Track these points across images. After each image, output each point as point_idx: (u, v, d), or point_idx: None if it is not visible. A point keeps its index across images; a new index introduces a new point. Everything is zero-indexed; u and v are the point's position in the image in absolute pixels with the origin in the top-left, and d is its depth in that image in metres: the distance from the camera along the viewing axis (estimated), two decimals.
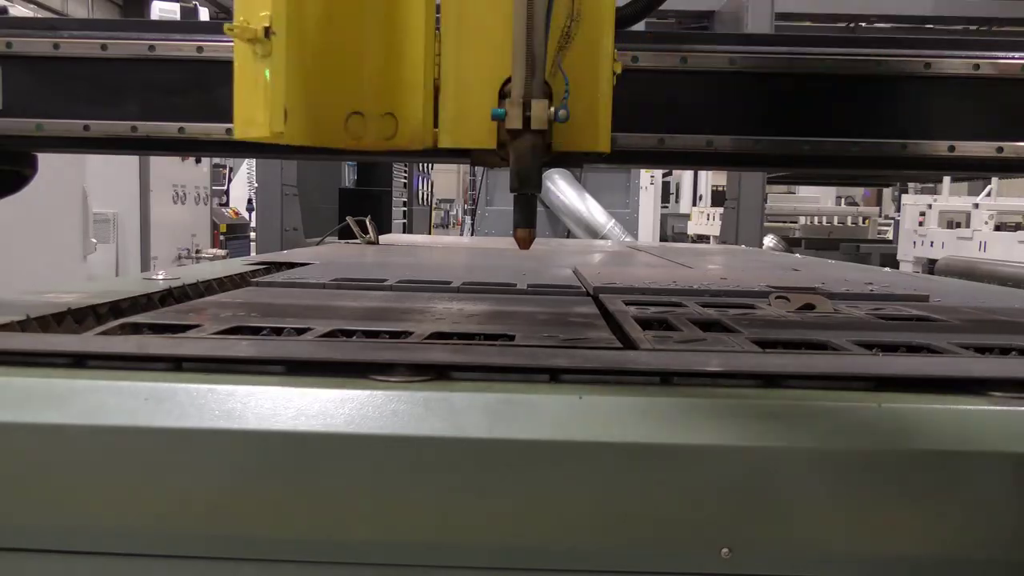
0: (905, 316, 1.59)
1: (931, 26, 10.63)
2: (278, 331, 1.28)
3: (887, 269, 3.82)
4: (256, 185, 8.41)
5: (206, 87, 1.46)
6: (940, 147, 1.45)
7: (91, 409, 0.94)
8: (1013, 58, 1.43)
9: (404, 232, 9.42)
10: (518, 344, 1.19)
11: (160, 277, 1.90)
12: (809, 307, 1.63)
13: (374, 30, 1.23)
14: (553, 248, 3.88)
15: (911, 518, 0.93)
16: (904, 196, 11.25)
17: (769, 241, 10.52)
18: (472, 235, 8.29)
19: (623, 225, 9.21)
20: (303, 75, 1.18)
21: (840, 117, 1.46)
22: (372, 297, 1.74)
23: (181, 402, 0.94)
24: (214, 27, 1.20)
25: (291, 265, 2.43)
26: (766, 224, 10.11)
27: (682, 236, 13.21)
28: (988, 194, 10.28)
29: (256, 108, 1.19)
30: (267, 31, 1.13)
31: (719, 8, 7.01)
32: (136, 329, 1.30)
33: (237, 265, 2.43)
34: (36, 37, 1.47)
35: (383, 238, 4.14)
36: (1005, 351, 1.26)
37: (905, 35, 1.70)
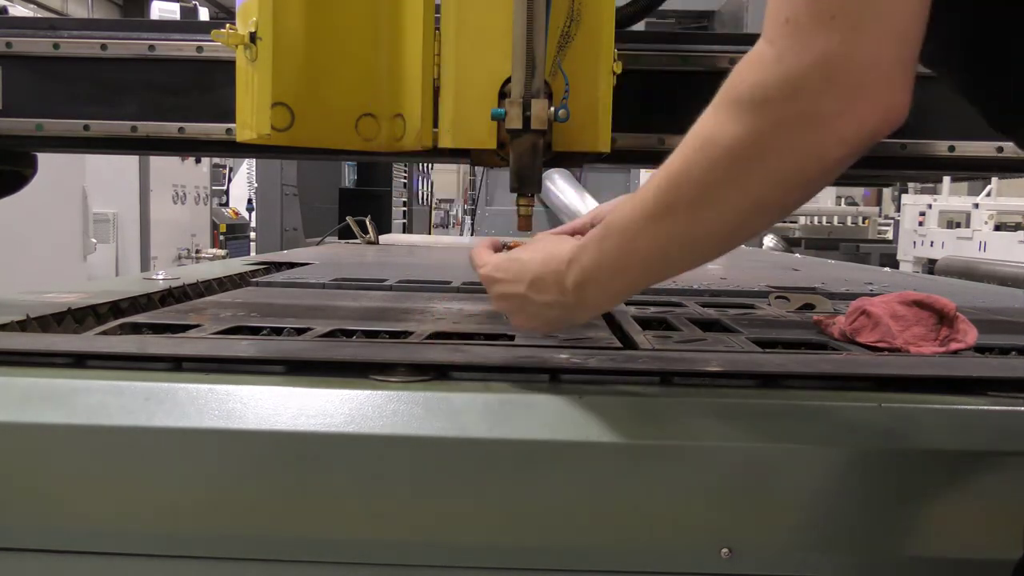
0: None
1: None
2: (278, 331, 1.28)
3: (887, 269, 3.82)
4: (256, 185, 8.41)
5: (206, 87, 1.46)
6: (940, 147, 1.45)
7: (91, 409, 0.94)
8: None
9: (404, 232, 9.41)
10: (518, 344, 1.19)
11: (160, 277, 1.90)
12: (809, 307, 1.63)
13: (374, 32, 1.23)
14: None
15: (911, 518, 0.93)
16: (904, 196, 11.22)
17: (769, 241, 10.51)
18: (472, 235, 8.28)
19: None
20: (307, 78, 1.18)
21: None
22: (372, 297, 1.74)
23: (181, 402, 0.94)
24: (214, 27, 1.20)
25: (291, 265, 2.43)
26: None
27: None
28: (988, 194, 10.27)
29: (248, 111, 1.19)
30: (253, 36, 1.14)
31: (719, 8, 7.00)
32: (136, 329, 1.30)
33: (237, 265, 2.43)
34: (36, 37, 1.47)
35: (383, 238, 4.14)
36: (1005, 351, 1.26)
37: None
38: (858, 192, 15.59)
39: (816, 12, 0.68)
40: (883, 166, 1.53)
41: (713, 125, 0.75)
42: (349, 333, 1.27)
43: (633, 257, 0.85)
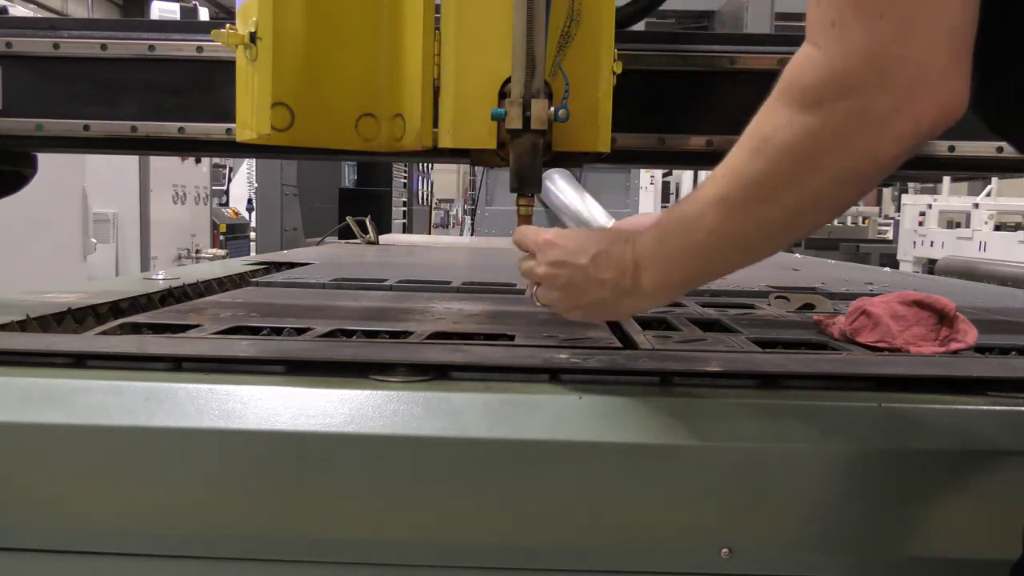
0: None
1: None
2: (278, 331, 1.28)
3: (887, 269, 3.82)
4: (256, 185, 8.40)
5: (206, 87, 1.46)
6: (940, 147, 1.45)
7: (91, 409, 0.94)
8: None
9: (404, 232, 9.41)
10: (518, 344, 1.19)
11: (160, 277, 1.90)
12: (809, 307, 1.63)
13: (374, 32, 1.23)
14: None
15: (911, 518, 0.93)
16: (904, 196, 11.20)
17: None
18: (472, 235, 8.28)
19: None
20: (307, 78, 1.18)
21: None
22: (372, 297, 1.74)
23: (181, 402, 0.94)
24: (214, 27, 1.20)
25: (291, 265, 2.43)
26: None
27: None
28: (988, 194, 10.25)
29: (248, 111, 1.19)
30: (253, 36, 1.13)
31: (719, 8, 7.00)
32: (136, 329, 1.30)
33: (237, 265, 2.43)
34: (36, 37, 1.47)
35: (383, 238, 4.13)
36: (1005, 351, 1.26)
37: None
38: None
39: (864, 13, 0.68)
40: None
41: (769, 126, 0.76)
42: (349, 333, 1.27)
43: (691, 249, 0.86)
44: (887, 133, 0.70)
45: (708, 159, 1.60)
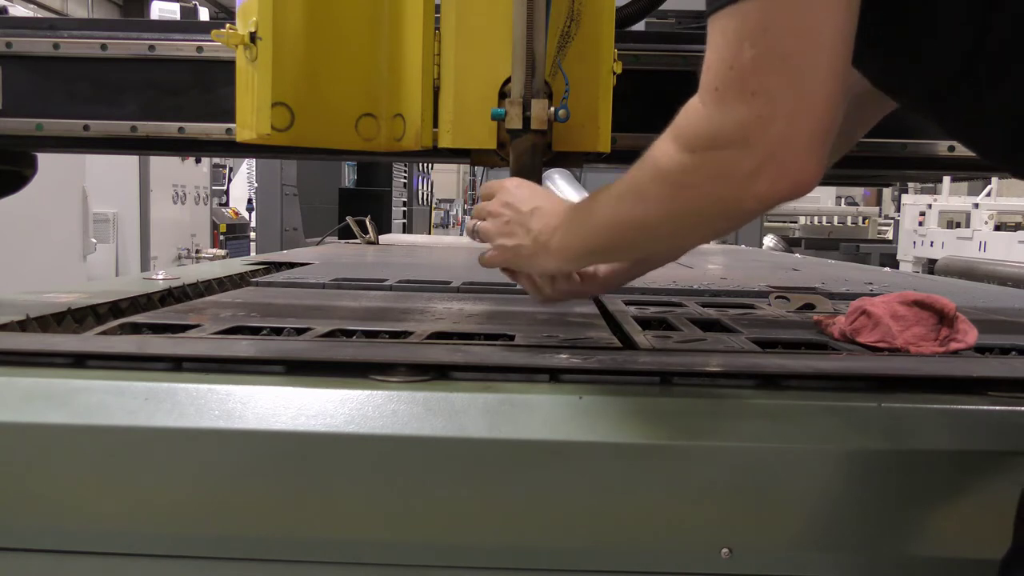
0: None
1: None
2: (278, 331, 1.28)
3: (887, 269, 3.82)
4: (256, 185, 8.40)
5: (206, 87, 1.47)
6: (940, 147, 1.45)
7: (91, 409, 0.94)
8: None
9: (404, 232, 9.40)
10: (518, 344, 1.19)
11: (160, 277, 1.90)
12: (809, 307, 1.63)
13: (374, 32, 1.23)
14: None
15: (911, 518, 0.93)
16: (904, 196, 11.20)
17: (769, 241, 10.49)
18: None
19: None
20: (307, 78, 1.18)
21: None
22: (372, 297, 1.75)
23: (181, 402, 0.94)
24: (214, 27, 1.20)
25: (291, 265, 2.43)
26: (766, 224, 10.05)
27: None
28: (988, 194, 10.25)
29: (248, 111, 1.19)
30: (253, 36, 1.14)
31: None
32: (136, 329, 1.30)
33: (237, 265, 2.43)
34: (36, 37, 1.47)
35: (383, 238, 4.13)
36: (1005, 351, 1.26)
37: None
38: (858, 192, 15.57)
39: (740, 87, 0.77)
40: (883, 166, 1.53)
41: (659, 150, 0.87)
42: (349, 333, 1.27)
43: (592, 225, 0.99)
44: (747, 190, 0.79)
45: None
